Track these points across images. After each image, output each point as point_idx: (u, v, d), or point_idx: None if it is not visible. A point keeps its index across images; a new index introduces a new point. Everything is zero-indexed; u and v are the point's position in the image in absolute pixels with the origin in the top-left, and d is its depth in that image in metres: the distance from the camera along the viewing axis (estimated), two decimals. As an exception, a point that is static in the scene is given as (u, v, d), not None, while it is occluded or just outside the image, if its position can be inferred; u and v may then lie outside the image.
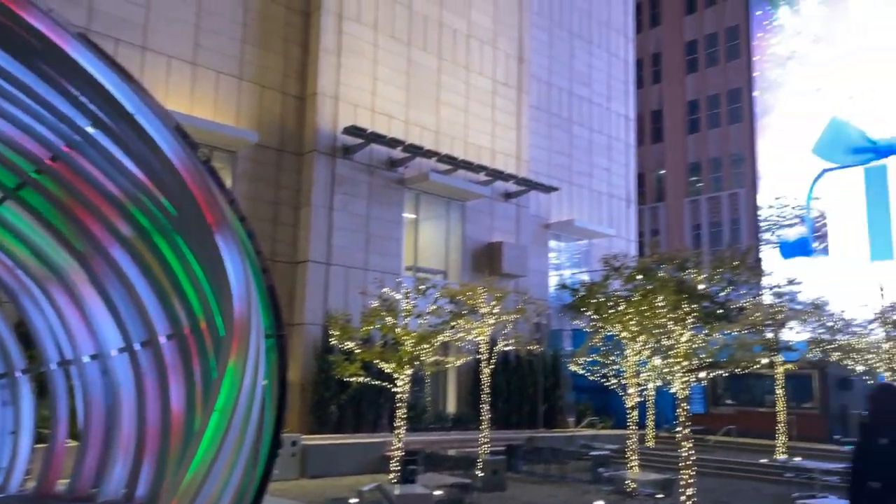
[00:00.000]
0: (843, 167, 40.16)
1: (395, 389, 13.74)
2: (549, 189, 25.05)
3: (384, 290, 14.16)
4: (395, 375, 13.62)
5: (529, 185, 24.03)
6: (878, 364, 15.25)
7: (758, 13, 45.34)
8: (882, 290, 15.55)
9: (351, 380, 14.37)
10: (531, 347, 19.70)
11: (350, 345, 13.81)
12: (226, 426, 3.60)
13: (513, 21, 24.86)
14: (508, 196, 24.09)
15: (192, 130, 4.79)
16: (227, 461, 3.60)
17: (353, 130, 19.31)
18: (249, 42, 18.95)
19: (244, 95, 18.68)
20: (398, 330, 13.48)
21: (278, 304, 4.58)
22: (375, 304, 13.89)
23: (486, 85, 23.84)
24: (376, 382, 14.44)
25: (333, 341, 14.60)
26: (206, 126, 16.90)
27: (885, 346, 15.13)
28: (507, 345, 17.60)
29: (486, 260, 22.96)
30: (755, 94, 45.01)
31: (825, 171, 40.83)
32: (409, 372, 13.61)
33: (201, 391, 5.38)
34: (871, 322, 15.52)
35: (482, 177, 22.70)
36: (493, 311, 15.98)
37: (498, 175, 22.88)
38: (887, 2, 39.78)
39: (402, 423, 13.58)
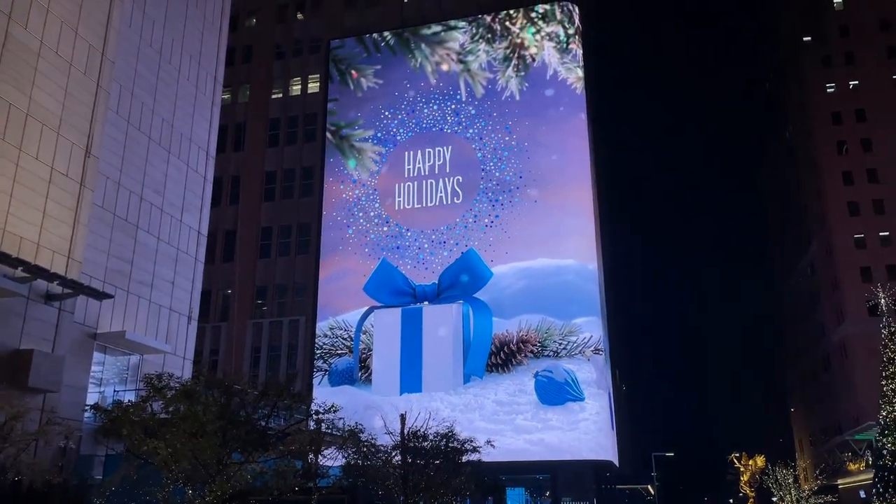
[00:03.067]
0: (387, 306, 45.70)
1: None
2: (102, 295, 22.87)
3: None
4: None
5: (78, 288, 21.60)
6: (395, 488, 16.92)
7: (331, 160, 50.45)
8: (403, 420, 17.54)
9: None
10: (50, 477, 16.94)
11: None
12: None
13: (85, 111, 23.09)
14: (50, 298, 21.23)
15: None
16: None
17: None
18: None
19: None
20: None
21: None
22: None
23: (41, 172, 21.30)
24: None
25: None
26: None
27: (402, 471, 16.96)
28: (17, 474, 14.84)
29: (10, 370, 19.49)
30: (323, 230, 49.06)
31: (372, 308, 45.87)
32: None
33: None
34: (393, 449, 17.30)
35: (19, 272, 19.69)
36: (6, 434, 13.45)
37: (40, 273, 20.11)
38: (434, 164, 48.05)
39: None
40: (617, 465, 46.01)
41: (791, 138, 72.04)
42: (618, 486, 53.54)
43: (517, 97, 48.07)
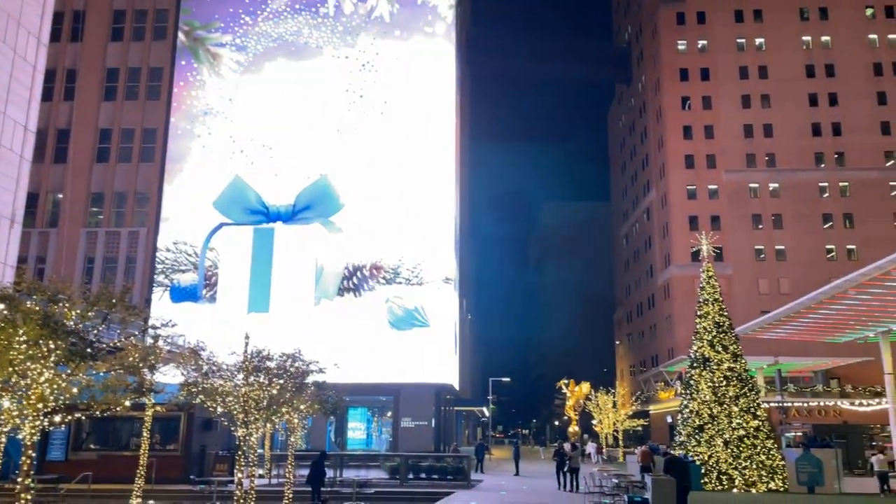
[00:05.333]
0: (238, 224, 44.08)
1: None
2: None
3: None
4: None
5: None
6: (235, 406, 16.69)
7: (182, 63, 46.92)
8: (247, 339, 17.18)
9: None
10: None
11: None
12: None
13: None
14: None
15: None
16: None
17: None
18: None
19: None
20: None
21: None
22: None
23: None
24: None
25: None
26: None
27: (244, 389, 16.72)
28: None
29: None
30: (170, 138, 45.96)
31: (222, 224, 44.06)
32: None
33: None
34: (237, 368, 16.96)
35: None
36: None
37: None
38: (295, 79, 46.08)
39: None
40: (457, 388, 48.17)
41: (642, 88, 75.91)
42: (456, 408, 56.26)
43: (386, 18, 46.78)
